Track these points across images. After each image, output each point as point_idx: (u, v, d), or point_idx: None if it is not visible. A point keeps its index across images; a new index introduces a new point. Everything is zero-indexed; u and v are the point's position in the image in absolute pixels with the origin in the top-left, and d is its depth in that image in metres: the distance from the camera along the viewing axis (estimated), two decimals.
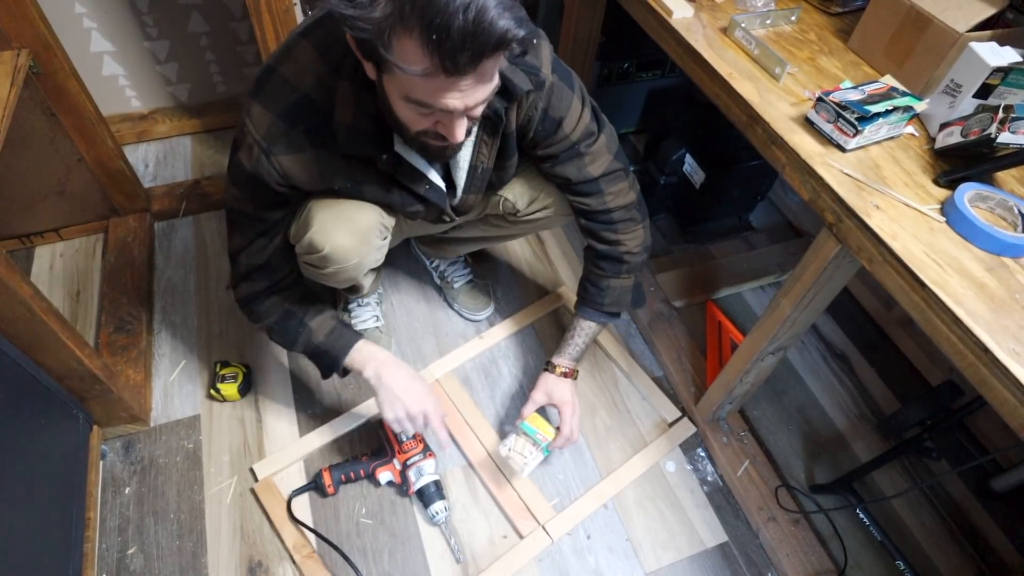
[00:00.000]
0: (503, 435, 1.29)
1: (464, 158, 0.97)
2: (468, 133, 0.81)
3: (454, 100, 0.68)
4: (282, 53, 0.84)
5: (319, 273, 1.04)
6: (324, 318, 1.08)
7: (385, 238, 1.05)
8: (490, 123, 0.92)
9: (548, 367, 1.20)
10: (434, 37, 0.59)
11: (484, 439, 1.27)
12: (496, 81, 0.71)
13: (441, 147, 0.82)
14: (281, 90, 0.83)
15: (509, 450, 1.16)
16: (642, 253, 1.12)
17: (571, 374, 1.20)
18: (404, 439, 1.19)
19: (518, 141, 0.99)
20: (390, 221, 1.04)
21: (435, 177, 0.97)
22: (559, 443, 1.16)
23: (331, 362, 1.08)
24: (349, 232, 0.97)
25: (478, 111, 0.74)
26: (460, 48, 0.60)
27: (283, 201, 0.93)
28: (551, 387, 1.18)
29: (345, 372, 1.10)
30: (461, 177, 0.99)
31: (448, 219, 1.07)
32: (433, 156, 0.93)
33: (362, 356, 1.07)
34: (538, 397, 1.18)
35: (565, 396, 1.17)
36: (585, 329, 1.19)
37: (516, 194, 1.13)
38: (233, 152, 0.89)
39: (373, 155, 0.88)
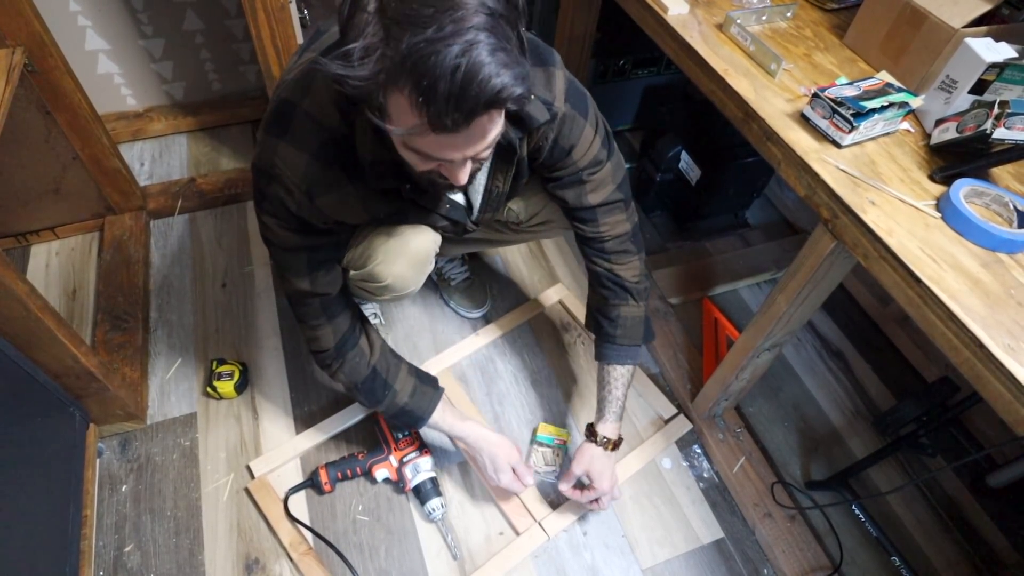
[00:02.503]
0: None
1: (480, 182, 0.97)
2: (480, 167, 0.79)
3: (452, 153, 0.67)
4: (299, 87, 0.80)
5: (370, 297, 1.05)
6: (403, 376, 1.08)
7: (432, 261, 1.06)
8: (504, 152, 0.90)
9: (591, 436, 1.12)
10: (420, 99, 0.57)
11: None
12: (498, 131, 0.68)
13: (448, 184, 0.80)
14: (309, 128, 0.80)
15: (536, 468, 1.24)
16: (643, 282, 1.10)
17: (615, 446, 1.12)
18: (400, 436, 1.19)
19: (528, 164, 0.98)
20: (439, 242, 1.05)
21: (456, 195, 0.98)
22: (589, 505, 1.15)
23: (413, 421, 1.10)
24: (409, 263, 0.99)
25: (483, 155, 0.71)
26: (446, 110, 0.57)
27: (331, 232, 0.91)
28: (592, 460, 1.11)
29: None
30: (477, 199, 1.00)
31: (470, 228, 1.06)
32: (442, 190, 0.91)
33: (446, 424, 1.11)
34: (577, 471, 1.11)
35: (604, 471, 1.10)
36: (617, 379, 1.11)
37: (520, 206, 1.13)
38: (266, 186, 0.84)
39: (398, 186, 0.86)
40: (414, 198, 0.91)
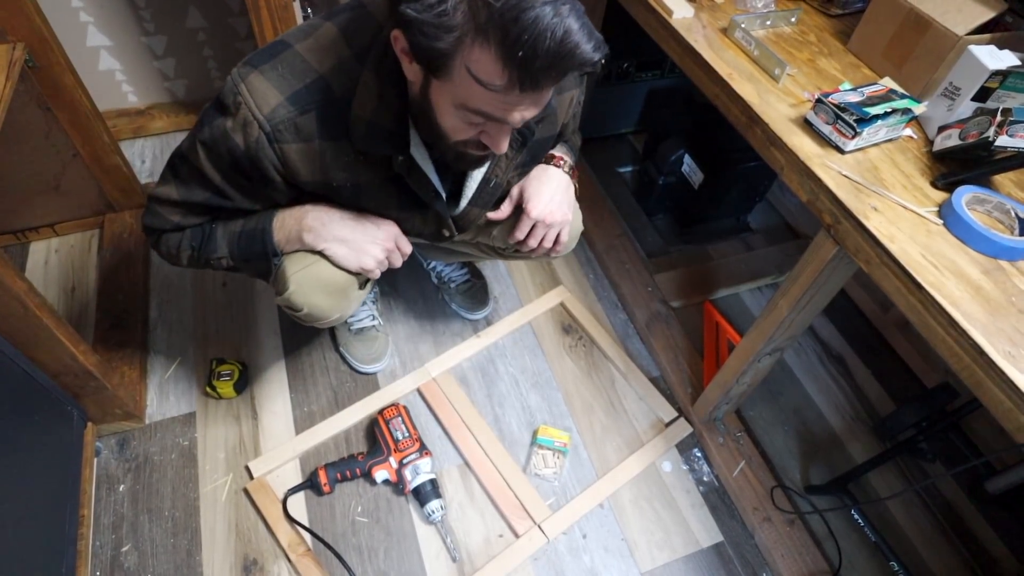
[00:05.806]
0: (496, 436, 1.29)
1: (479, 170, 0.93)
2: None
3: (516, 114, 0.67)
4: (302, 31, 0.78)
5: (299, 322, 1.00)
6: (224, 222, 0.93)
7: (364, 285, 1.02)
8: (519, 136, 0.89)
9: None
10: (520, 55, 0.57)
11: (481, 438, 1.27)
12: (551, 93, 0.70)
13: (480, 156, 0.79)
14: (295, 67, 0.76)
15: (536, 471, 1.24)
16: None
17: (570, 168, 1.04)
18: (400, 438, 1.19)
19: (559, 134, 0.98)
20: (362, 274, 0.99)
21: (439, 186, 0.92)
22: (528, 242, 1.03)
23: (260, 234, 0.90)
24: (325, 293, 0.95)
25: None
26: (547, 68, 0.59)
27: (263, 187, 0.83)
28: (531, 177, 1.01)
29: (278, 254, 0.93)
30: (471, 188, 0.95)
31: (447, 234, 1.01)
32: (469, 165, 0.87)
33: (292, 219, 0.91)
34: (514, 191, 1.03)
35: (540, 191, 1.00)
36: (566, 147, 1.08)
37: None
38: (216, 112, 0.79)
39: (389, 155, 0.82)
40: (404, 175, 0.85)
